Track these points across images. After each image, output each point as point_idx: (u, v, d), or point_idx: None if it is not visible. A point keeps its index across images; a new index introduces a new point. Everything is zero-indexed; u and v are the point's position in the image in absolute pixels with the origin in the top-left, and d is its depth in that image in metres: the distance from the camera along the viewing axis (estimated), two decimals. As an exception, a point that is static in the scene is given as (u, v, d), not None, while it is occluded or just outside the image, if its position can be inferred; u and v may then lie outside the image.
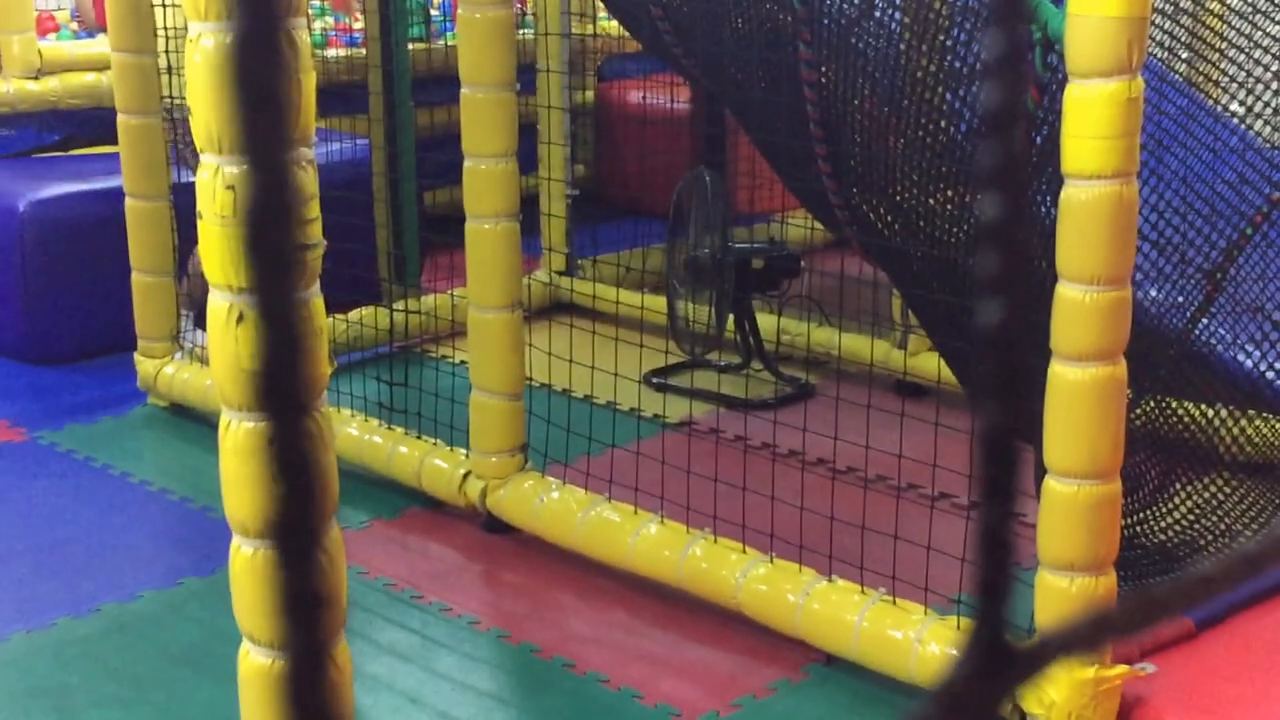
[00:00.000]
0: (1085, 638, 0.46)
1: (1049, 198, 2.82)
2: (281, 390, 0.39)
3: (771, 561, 3.30)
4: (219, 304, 2.05)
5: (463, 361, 4.17)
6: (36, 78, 5.76)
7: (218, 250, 2.03)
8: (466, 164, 3.74)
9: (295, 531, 0.43)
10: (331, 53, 6.43)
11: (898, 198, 3.37)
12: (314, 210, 2.02)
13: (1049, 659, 0.44)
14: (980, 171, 0.44)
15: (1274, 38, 3.71)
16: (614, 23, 6.05)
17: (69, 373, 5.14)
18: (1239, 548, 0.50)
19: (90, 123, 5.79)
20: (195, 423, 4.63)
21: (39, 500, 4.15)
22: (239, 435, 2.09)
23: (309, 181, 2.01)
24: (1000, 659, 0.43)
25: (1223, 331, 3.63)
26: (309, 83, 1.98)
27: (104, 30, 5.76)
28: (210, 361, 2.14)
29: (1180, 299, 3.57)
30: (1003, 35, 0.45)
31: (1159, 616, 0.47)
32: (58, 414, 4.78)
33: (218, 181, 2.01)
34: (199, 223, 2.06)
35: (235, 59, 0.36)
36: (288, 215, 0.37)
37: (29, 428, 4.68)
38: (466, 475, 3.87)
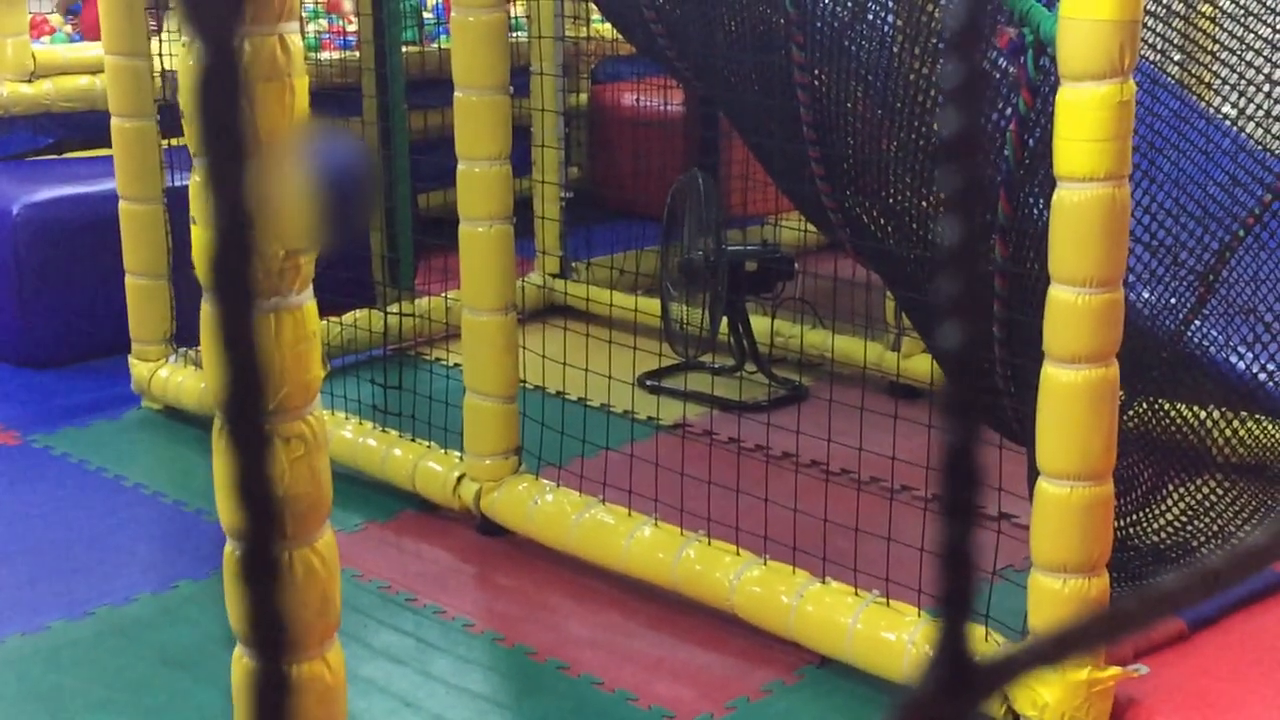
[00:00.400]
0: (1049, 653, 0.46)
1: (1041, 200, 2.83)
2: (232, 273, 0.39)
3: (765, 563, 3.30)
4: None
5: (457, 364, 4.18)
6: (30, 80, 5.76)
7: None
8: (460, 167, 3.75)
9: (255, 513, 0.43)
10: (325, 55, 6.43)
11: (891, 200, 3.38)
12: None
13: (1012, 674, 0.45)
14: (941, 197, 0.45)
15: (1265, 40, 3.72)
16: (608, 25, 6.05)
17: (63, 376, 5.14)
18: (1204, 561, 0.51)
19: (84, 126, 5.80)
20: (189, 426, 4.63)
21: (33, 503, 4.15)
22: (233, 439, 2.09)
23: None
24: (964, 674, 0.43)
25: (1215, 333, 3.63)
26: (302, 86, 1.98)
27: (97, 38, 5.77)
28: (204, 365, 2.14)
29: (1173, 301, 3.58)
30: (961, 63, 0.45)
31: (1123, 631, 0.48)
32: (52, 417, 4.78)
33: (211, 185, 2.01)
34: (192, 227, 2.06)
35: (198, 90, 0.37)
36: (249, 245, 0.38)
37: (23, 431, 4.68)
38: (461, 478, 3.87)
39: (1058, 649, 0.46)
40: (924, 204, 3.27)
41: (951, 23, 0.43)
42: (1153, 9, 3.64)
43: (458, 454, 3.92)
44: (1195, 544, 3.46)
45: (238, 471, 0.40)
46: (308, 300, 2.07)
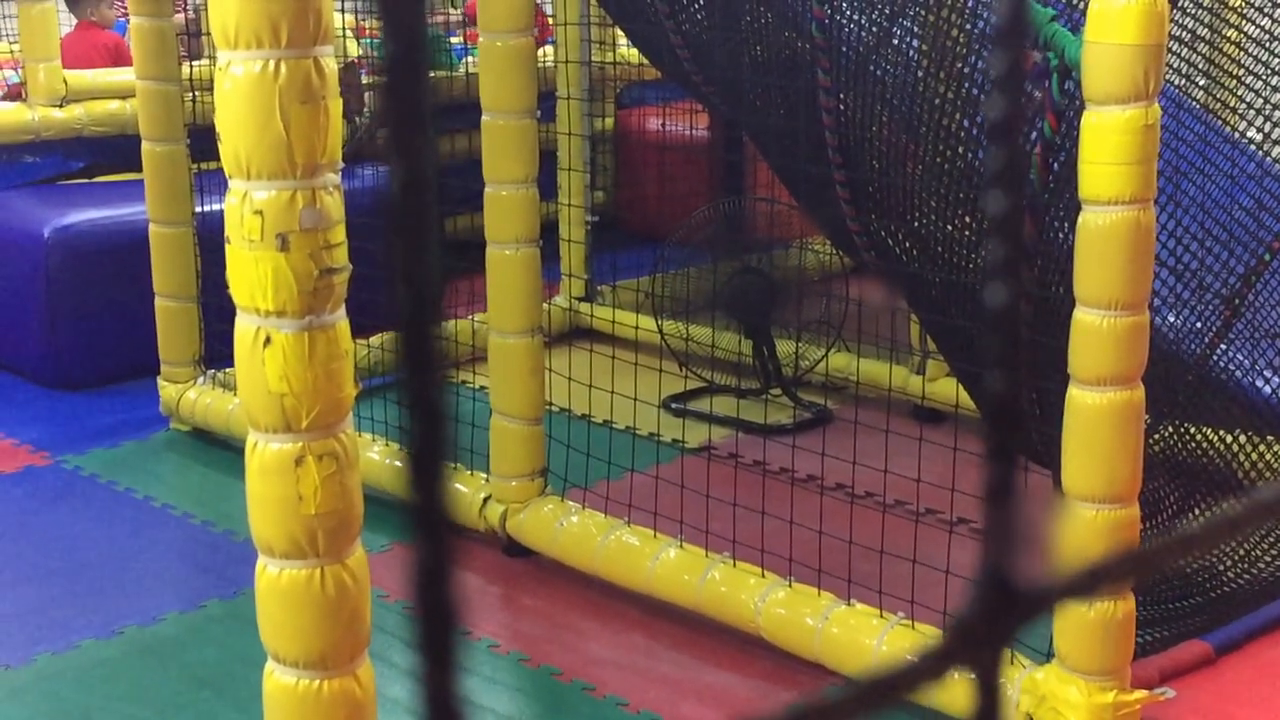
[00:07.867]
0: (1083, 585, 0.49)
1: (1067, 223, 2.84)
2: (419, 349, 0.43)
3: (790, 585, 3.31)
4: (246, 327, 2.08)
5: (483, 386, 4.20)
6: (62, 105, 5.81)
7: (244, 274, 2.06)
8: (487, 190, 3.77)
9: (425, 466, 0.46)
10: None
11: (916, 224, 3.39)
12: (341, 235, 2.05)
13: (1051, 601, 0.48)
14: (985, 172, 0.48)
15: (1291, 65, 3.72)
16: (634, 50, 6.08)
17: (92, 397, 5.18)
18: (1219, 512, 0.55)
19: (114, 150, 5.84)
20: (217, 447, 4.66)
21: (62, 524, 4.18)
22: (265, 456, 2.11)
23: (337, 206, 2.04)
24: (1006, 600, 0.47)
25: (1241, 357, 3.63)
26: (335, 108, 2.01)
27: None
28: (238, 383, 2.16)
29: (1198, 325, 3.58)
30: (1006, 54, 0.48)
31: (1150, 569, 0.51)
32: (81, 438, 4.82)
33: (245, 206, 2.03)
34: (227, 247, 2.08)
35: (389, 71, 0.44)
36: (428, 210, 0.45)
37: (53, 452, 4.71)
38: (487, 499, 3.89)
39: (1091, 581, 0.48)
40: (949, 227, 3.28)
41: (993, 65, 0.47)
42: (1178, 33, 3.65)
43: (484, 475, 3.93)
44: (1221, 568, 3.46)
45: (411, 386, 0.44)
46: (341, 319, 2.09)
